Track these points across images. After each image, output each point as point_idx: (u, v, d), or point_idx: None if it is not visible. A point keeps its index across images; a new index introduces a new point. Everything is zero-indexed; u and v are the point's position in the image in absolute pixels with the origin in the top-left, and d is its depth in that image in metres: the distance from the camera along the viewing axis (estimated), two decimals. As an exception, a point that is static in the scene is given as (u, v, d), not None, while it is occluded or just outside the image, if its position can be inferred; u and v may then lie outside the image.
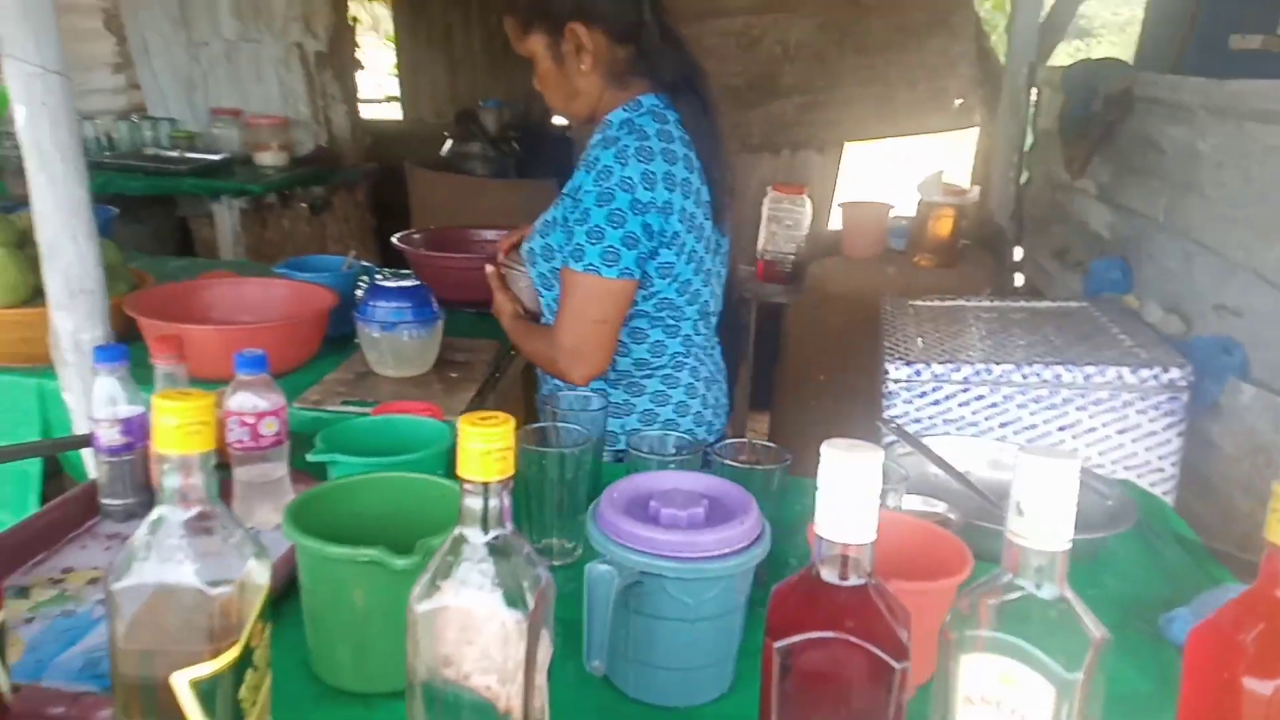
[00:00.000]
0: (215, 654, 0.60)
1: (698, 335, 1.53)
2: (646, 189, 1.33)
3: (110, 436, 1.09)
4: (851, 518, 0.55)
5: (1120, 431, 1.58)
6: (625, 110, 1.41)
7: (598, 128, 1.43)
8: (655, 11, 1.42)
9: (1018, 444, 1.36)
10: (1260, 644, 0.56)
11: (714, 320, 1.60)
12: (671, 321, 1.48)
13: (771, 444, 1.05)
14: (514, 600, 0.60)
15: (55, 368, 1.45)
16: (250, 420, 1.08)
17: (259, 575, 0.63)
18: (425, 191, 3.49)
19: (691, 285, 1.46)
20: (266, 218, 3.69)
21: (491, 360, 1.76)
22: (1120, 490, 1.20)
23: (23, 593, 0.97)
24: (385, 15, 4.62)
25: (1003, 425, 1.62)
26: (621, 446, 1.47)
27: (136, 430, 1.11)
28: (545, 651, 0.64)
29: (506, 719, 0.62)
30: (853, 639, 0.53)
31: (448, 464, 1.05)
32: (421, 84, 4.43)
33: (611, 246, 1.34)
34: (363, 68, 3.93)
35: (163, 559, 0.60)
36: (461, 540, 0.60)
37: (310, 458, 1.07)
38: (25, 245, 1.60)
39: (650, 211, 1.34)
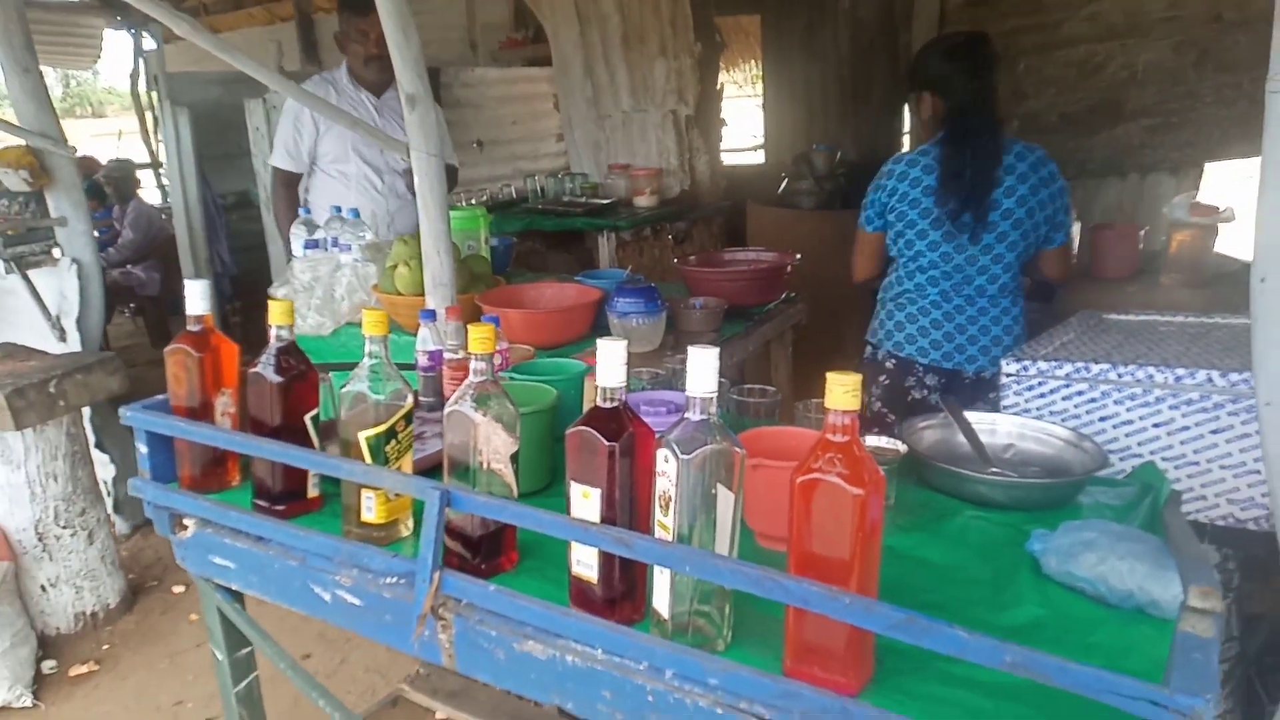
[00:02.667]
0: (374, 427, 1.32)
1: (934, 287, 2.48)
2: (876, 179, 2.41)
3: (422, 361, 1.93)
4: (611, 373, 1.09)
5: (1214, 432, 1.66)
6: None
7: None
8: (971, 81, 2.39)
9: (1070, 426, 1.60)
10: (805, 459, 0.96)
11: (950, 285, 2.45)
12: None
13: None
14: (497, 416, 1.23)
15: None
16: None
17: (407, 399, 1.35)
18: (758, 221, 4.15)
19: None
20: (643, 246, 4.66)
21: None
22: (1098, 452, 1.43)
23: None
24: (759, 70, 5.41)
25: (1101, 420, 1.79)
26: None
27: (436, 359, 1.93)
28: (508, 445, 1.25)
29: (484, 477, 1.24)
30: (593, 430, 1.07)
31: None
32: (783, 131, 5.11)
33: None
34: (726, 125, 4.72)
35: (359, 382, 1.34)
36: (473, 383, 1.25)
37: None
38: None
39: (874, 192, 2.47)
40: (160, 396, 1.56)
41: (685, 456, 1.00)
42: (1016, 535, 1.32)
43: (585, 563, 1.10)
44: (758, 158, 5.54)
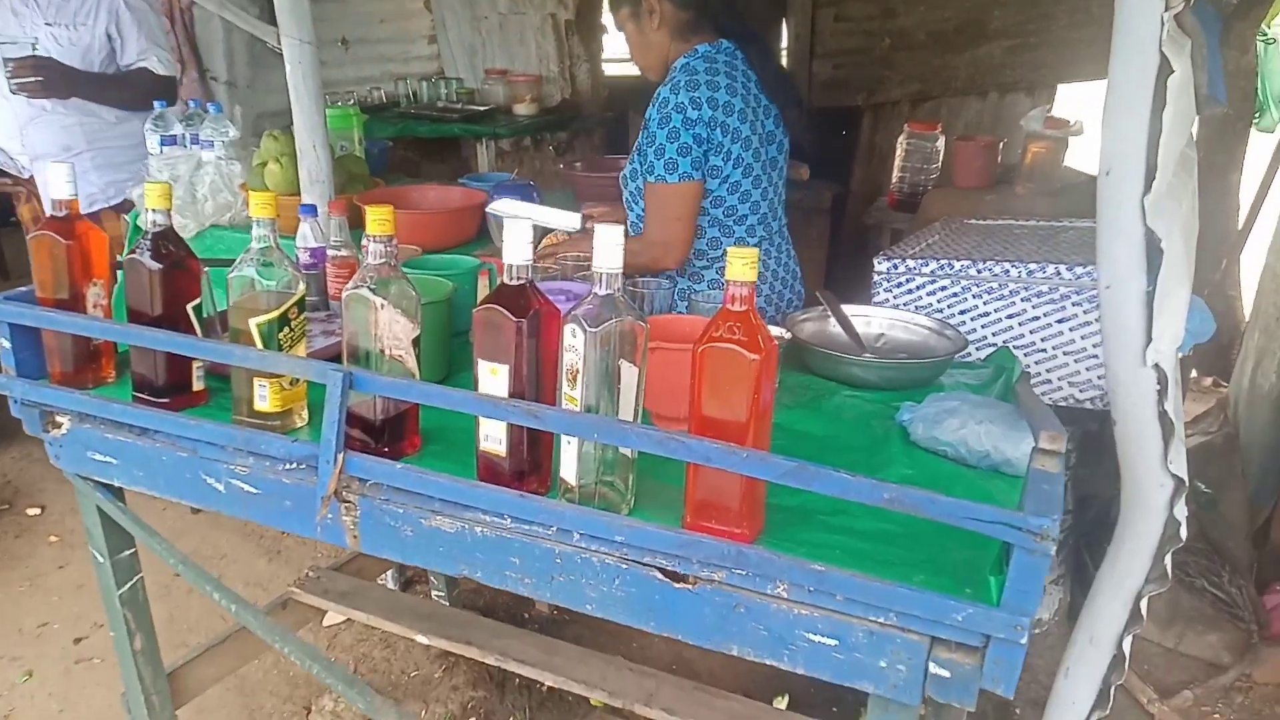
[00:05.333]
0: (265, 314, 1.29)
1: (751, 238, 2.00)
2: (694, 108, 1.84)
3: (304, 259, 1.87)
4: (517, 251, 1.10)
5: (1059, 321, 1.84)
6: (685, 58, 1.94)
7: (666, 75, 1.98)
8: None
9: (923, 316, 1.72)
10: (706, 329, 1.02)
11: (775, 224, 2.07)
12: (727, 221, 1.96)
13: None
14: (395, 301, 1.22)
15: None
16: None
17: (299, 288, 1.32)
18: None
19: (741, 186, 1.93)
20: (523, 156, 4.58)
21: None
22: (958, 337, 1.55)
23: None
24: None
25: (962, 313, 1.94)
26: None
27: (319, 256, 1.88)
28: (407, 330, 1.25)
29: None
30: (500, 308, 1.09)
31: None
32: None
33: (671, 159, 1.87)
34: (606, 32, 4.64)
35: (247, 267, 1.30)
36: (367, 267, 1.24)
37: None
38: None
39: (697, 125, 1.83)
40: (22, 288, 1.46)
41: (593, 330, 1.04)
42: (887, 411, 1.43)
43: (494, 437, 1.13)
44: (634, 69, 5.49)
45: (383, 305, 1.21)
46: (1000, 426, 1.25)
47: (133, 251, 1.35)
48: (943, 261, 1.92)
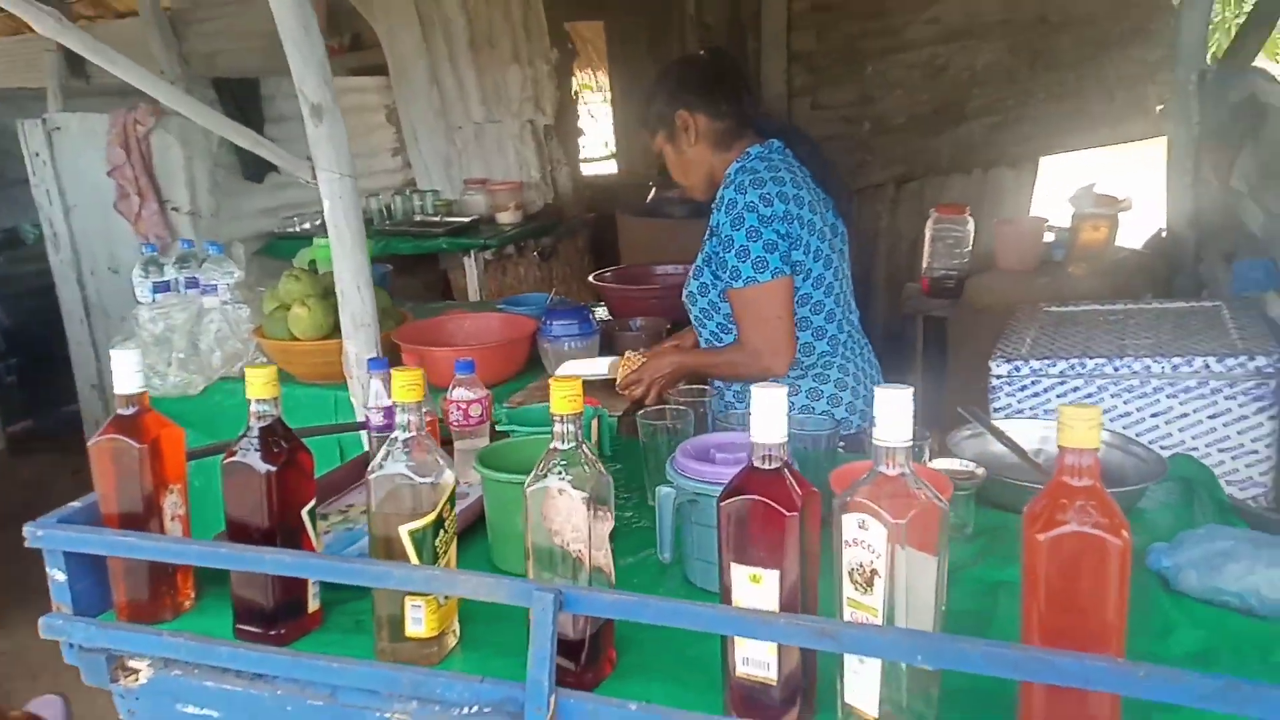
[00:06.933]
0: (421, 518, 1.05)
1: (841, 334, 1.87)
2: (766, 205, 1.73)
3: (377, 419, 1.63)
4: (771, 427, 0.90)
5: (1211, 417, 1.71)
6: (738, 161, 1.82)
7: (721, 184, 1.84)
8: (739, 88, 1.84)
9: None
10: (1043, 510, 0.83)
11: (855, 319, 1.94)
12: (815, 322, 1.82)
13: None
14: (580, 486, 1.00)
15: (347, 381, 2.05)
16: (463, 405, 1.57)
17: (448, 478, 1.09)
18: (631, 234, 4.02)
19: (825, 279, 1.82)
20: (506, 266, 4.40)
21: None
22: (1153, 455, 1.39)
23: (323, 517, 1.51)
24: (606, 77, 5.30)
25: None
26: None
27: (393, 415, 1.63)
28: (604, 524, 1.03)
29: (582, 568, 1.01)
30: (764, 499, 0.88)
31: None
32: (634, 140, 5.02)
33: (760, 257, 1.73)
34: (584, 134, 4.57)
35: (395, 461, 1.06)
36: (552, 451, 1.01)
37: (499, 428, 1.55)
38: (328, 295, 2.25)
39: (775, 221, 1.73)
40: (76, 504, 1.19)
41: (897, 521, 0.84)
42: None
43: (759, 661, 0.90)
44: (610, 166, 5.41)
45: (571, 494, 0.99)
46: (1297, 570, 1.08)
47: (232, 452, 1.10)
48: (1073, 360, 1.79)
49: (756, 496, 0.88)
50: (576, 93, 4.81)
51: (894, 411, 0.86)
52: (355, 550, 1.37)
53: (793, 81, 4.26)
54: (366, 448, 1.71)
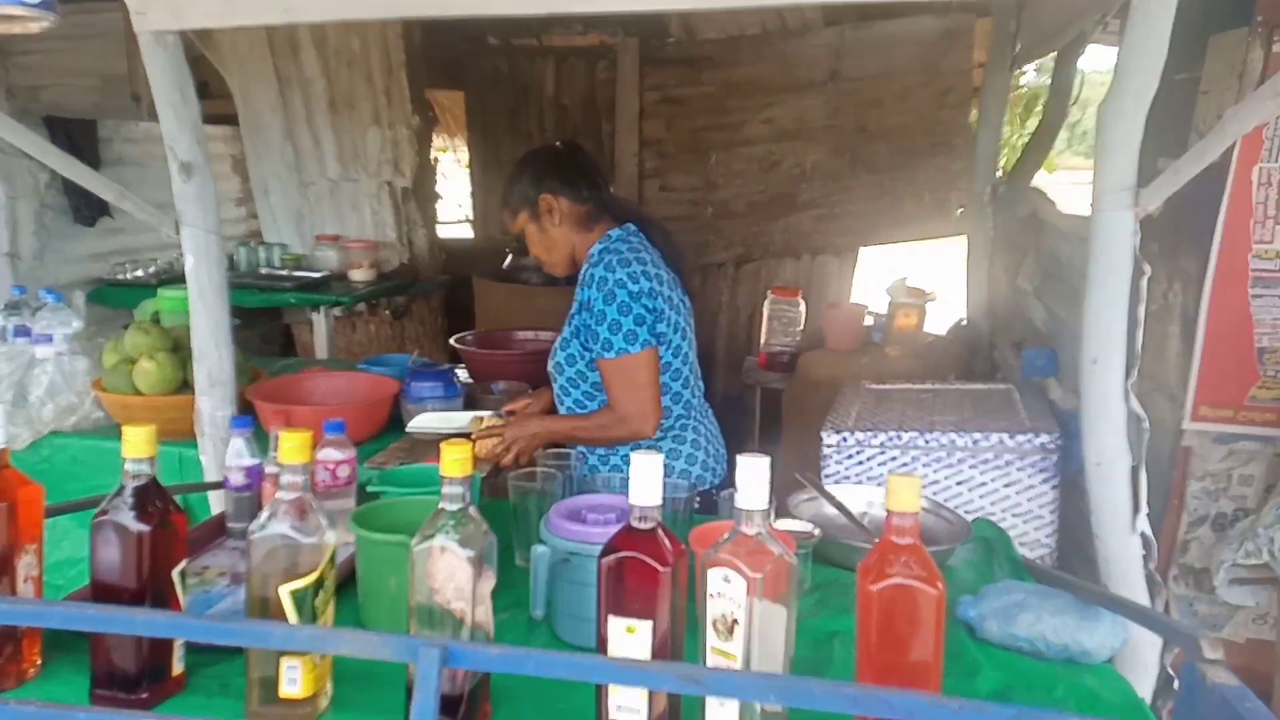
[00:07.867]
0: (302, 578, 1.08)
1: (694, 399, 2.05)
2: (634, 282, 1.89)
3: (238, 479, 1.61)
4: (647, 490, 1.00)
5: (1005, 485, 1.97)
6: (601, 242, 1.97)
7: (585, 263, 1.97)
8: (596, 177, 2.04)
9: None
10: (875, 564, 0.98)
11: (702, 387, 2.11)
12: (673, 388, 1.98)
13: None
14: (468, 545, 1.06)
15: (197, 439, 2.00)
16: (331, 466, 1.59)
17: (329, 538, 1.12)
18: (487, 298, 4.09)
19: (682, 349, 2.00)
20: (356, 323, 4.35)
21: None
22: (959, 519, 1.60)
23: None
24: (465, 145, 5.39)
25: (914, 482, 2.01)
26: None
27: (255, 475, 1.62)
28: (487, 581, 1.09)
29: (463, 626, 1.07)
30: (641, 555, 0.98)
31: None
32: (491, 206, 5.12)
33: (630, 330, 1.88)
34: (441, 198, 4.62)
35: (279, 522, 1.09)
36: (440, 511, 1.07)
37: (369, 488, 1.58)
38: (177, 349, 2.19)
39: (643, 297, 1.89)
40: (-86, 565, 1.13)
41: (755, 575, 0.96)
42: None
43: (629, 707, 0.99)
44: (465, 230, 5.46)
45: (453, 552, 1.05)
46: (1073, 618, 1.28)
47: (104, 510, 1.09)
48: (891, 433, 2.01)
49: (634, 553, 0.98)
50: (435, 159, 4.86)
51: (754, 478, 0.99)
52: (216, 613, 1.35)
53: (644, 165, 4.53)
54: (223, 507, 1.68)
